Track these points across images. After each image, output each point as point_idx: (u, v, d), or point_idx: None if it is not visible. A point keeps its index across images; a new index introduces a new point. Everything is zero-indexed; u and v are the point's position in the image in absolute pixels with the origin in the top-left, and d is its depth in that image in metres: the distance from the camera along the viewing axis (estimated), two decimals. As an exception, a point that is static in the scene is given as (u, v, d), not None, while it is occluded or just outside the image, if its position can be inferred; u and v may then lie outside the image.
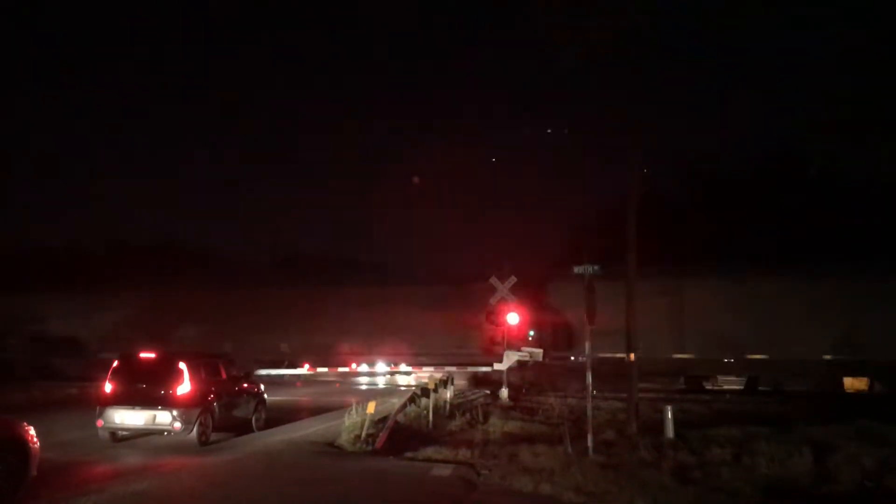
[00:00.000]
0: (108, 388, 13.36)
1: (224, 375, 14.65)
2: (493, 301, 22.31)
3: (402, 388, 23.96)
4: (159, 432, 13.19)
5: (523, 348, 22.71)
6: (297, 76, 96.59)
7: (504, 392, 21.36)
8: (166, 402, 13.01)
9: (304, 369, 28.42)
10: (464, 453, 12.10)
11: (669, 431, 13.71)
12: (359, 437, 13.31)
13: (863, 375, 23.83)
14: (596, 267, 13.21)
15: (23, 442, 8.97)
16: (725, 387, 25.92)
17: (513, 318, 21.99)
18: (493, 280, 22.33)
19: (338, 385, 27.91)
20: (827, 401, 20.59)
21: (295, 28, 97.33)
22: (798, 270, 24.10)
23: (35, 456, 9.09)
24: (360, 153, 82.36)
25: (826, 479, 10.52)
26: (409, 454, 12.23)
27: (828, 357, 22.79)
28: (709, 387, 25.56)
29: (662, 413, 14.16)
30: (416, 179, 37.32)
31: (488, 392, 22.65)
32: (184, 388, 13.16)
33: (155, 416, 12.99)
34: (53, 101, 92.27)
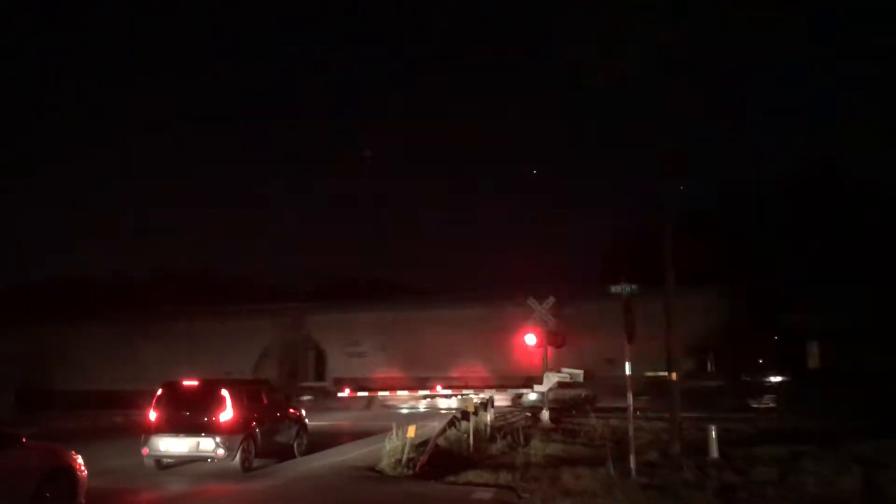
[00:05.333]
0: (152, 416, 13.57)
1: (266, 402, 14.78)
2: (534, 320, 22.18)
3: (444, 411, 23.91)
4: (203, 459, 13.32)
5: (563, 369, 22.48)
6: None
7: (545, 414, 21.17)
8: (209, 429, 13.14)
9: (345, 394, 28.68)
10: (505, 476, 12.02)
11: (713, 451, 13.48)
12: (399, 461, 13.29)
13: None
14: (634, 286, 13.09)
15: (71, 470, 9.18)
16: (771, 405, 25.39)
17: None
18: (531, 301, 22.17)
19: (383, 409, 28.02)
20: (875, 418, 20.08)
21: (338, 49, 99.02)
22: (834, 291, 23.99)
23: (83, 483, 9.29)
24: (391, 174, 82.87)
25: (877, 497, 10.28)
26: (449, 478, 12.19)
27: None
28: (754, 405, 25.10)
29: (706, 432, 13.95)
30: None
31: (529, 414, 22.48)
32: (226, 414, 13.30)
33: (198, 444, 13.12)
34: (94, 133, 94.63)
